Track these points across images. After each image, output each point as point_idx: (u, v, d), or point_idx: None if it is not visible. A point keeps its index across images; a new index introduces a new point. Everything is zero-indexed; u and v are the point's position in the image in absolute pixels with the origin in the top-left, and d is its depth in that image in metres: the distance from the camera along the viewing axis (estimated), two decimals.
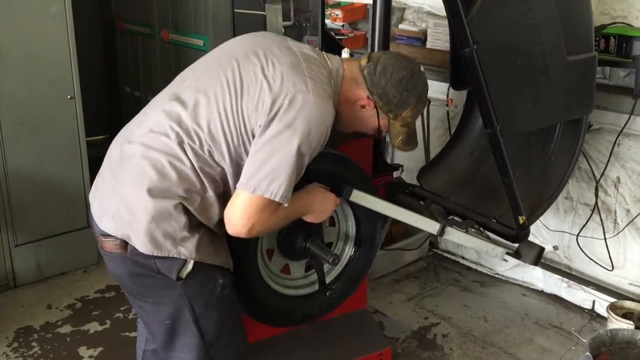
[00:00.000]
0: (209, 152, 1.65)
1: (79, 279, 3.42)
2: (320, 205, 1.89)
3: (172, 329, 1.74)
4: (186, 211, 1.65)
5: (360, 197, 2.03)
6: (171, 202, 1.62)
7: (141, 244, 1.62)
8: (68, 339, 2.92)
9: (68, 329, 2.99)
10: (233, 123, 1.64)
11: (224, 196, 1.70)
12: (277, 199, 1.61)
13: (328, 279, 2.16)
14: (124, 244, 1.65)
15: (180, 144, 1.63)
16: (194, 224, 1.67)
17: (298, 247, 2.02)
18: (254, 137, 1.64)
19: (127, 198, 1.64)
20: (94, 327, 3.01)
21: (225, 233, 1.71)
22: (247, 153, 1.65)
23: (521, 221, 2.21)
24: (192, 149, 1.63)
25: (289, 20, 2.95)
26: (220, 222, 1.70)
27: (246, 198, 1.61)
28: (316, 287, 2.14)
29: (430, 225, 2.15)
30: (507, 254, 2.33)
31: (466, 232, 2.21)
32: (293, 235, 2.02)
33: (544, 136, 2.48)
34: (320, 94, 1.65)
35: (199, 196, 1.66)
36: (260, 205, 1.61)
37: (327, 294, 2.15)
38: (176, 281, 1.66)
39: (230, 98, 1.64)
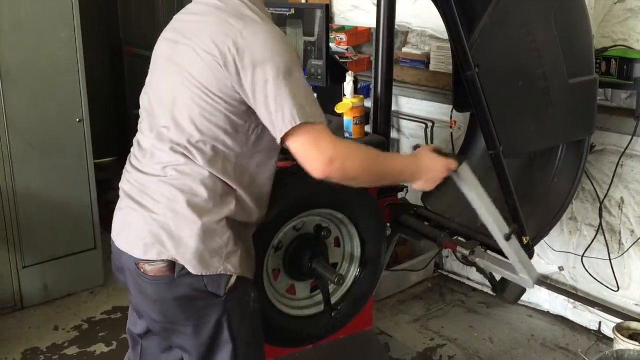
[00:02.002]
0: (212, 147, 1.61)
1: (85, 301, 3.43)
2: (433, 172, 1.78)
3: (210, 349, 1.71)
4: (230, 225, 1.63)
5: (465, 176, 1.93)
6: (212, 218, 1.61)
7: (190, 265, 1.59)
8: None
9: (74, 351, 2.99)
10: (209, 108, 1.60)
11: (252, 186, 1.68)
12: (318, 120, 1.56)
13: (333, 300, 2.17)
14: (172, 265, 1.61)
15: (188, 159, 1.61)
16: (236, 237, 1.65)
17: (303, 267, 2.04)
18: (237, 102, 1.59)
19: (165, 221, 1.61)
20: (100, 348, 3.02)
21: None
22: (240, 118, 1.61)
23: (525, 242, 2.22)
24: (201, 156, 1.61)
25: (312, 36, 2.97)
26: (260, 216, 1.71)
27: (297, 141, 1.55)
28: (322, 307, 2.15)
29: (502, 225, 2.11)
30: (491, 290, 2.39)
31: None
32: (299, 255, 2.03)
33: (546, 157, 2.50)
34: (250, 23, 1.58)
35: (233, 198, 1.64)
36: (310, 134, 1.55)
37: (333, 314, 2.15)
38: (220, 297, 1.64)
39: (191, 92, 1.61)
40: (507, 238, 2.11)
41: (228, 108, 1.59)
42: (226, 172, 1.62)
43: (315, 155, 1.55)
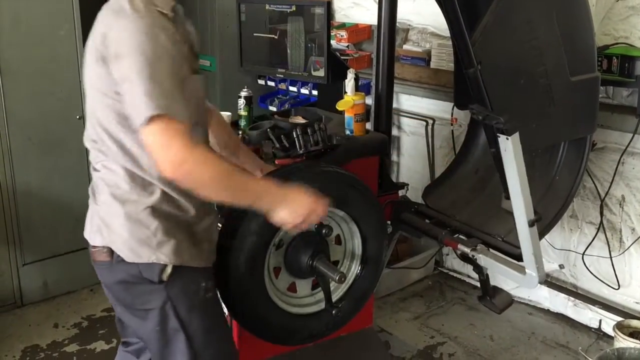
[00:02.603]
0: (117, 143, 1.64)
1: (85, 298, 3.43)
2: (300, 206, 1.68)
3: (162, 337, 1.75)
4: (157, 215, 1.66)
5: (514, 146, 1.91)
6: (135, 207, 1.65)
7: (122, 253, 1.67)
8: (74, 358, 2.92)
9: (74, 348, 2.99)
10: (102, 105, 1.63)
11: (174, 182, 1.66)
12: (177, 117, 1.52)
13: (334, 297, 2.16)
14: (111, 252, 1.69)
15: (106, 155, 1.68)
16: (168, 227, 1.67)
17: (305, 265, 2.03)
18: (119, 95, 1.59)
19: (102, 212, 1.71)
20: (100, 346, 3.02)
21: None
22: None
23: None
24: (111, 152, 1.66)
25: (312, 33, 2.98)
26: (203, 211, 1.72)
27: (151, 137, 1.52)
28: (322, 305, 2.14)
29: (530, 210, 2.07)
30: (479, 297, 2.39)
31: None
32: (300, 253, 2.03)
33: (547, 155, 2.50)
34: (122, 17, 1.56)
35: (157, 189, 1.66)
36: (165, 133, 1.51)
37: (334, 312, 2.15)
38: (159, 284, 1.68)
39: (90, 91, 1.68)
40: (531, 224, 2.09)
41: (115, 104, 1.60)
42: (139, 166, 1.64)
43: (164, 155, 1.51)
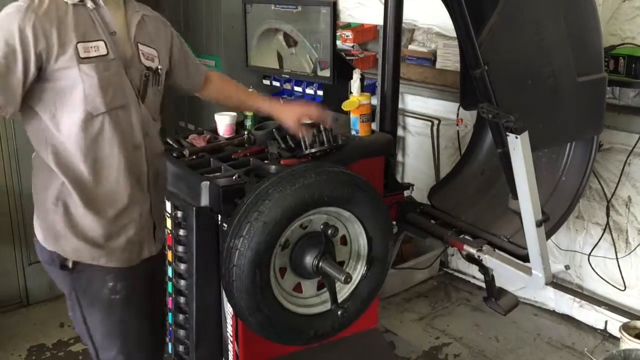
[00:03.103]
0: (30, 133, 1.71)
1: None
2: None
3: (75, 323, 1.81)
4: (59, 209, 1.68)
5: (523, 145, 1.93)
6: (42, 196, 1.71)
7: (38, 235, 1.75)
8: (80, 357, 2.93)
9: (80, 347, 3.00)
10: None
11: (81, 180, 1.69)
12: None
13: (340, 298, 2.16)
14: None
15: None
16: (67, 223, 1.69)
17: (310, 266, 2.03)
18: None
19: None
20: None
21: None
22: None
23: None
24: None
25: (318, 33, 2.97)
26: (114, 213, 1.72)
27: None
28: (328, 305, 2.14)
29: (537, 210, 2.08)
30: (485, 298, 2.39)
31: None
32: (305, 254, 2.03)
33: (554, 155, 2.49)
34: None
35: (59, 183, 1.68)
36: None
37: (339, 312, 2.15)
38: (66, 270, 1.72)
39: None
40: (539, 224, 2.08)
41: None
42: (48, 158, 1.68)
43: None
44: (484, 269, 2.32)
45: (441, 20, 3.52)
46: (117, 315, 1.78)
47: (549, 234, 2.47)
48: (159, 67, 1.83)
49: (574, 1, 2.16)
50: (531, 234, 2.09)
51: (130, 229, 1.76)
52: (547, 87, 2.13)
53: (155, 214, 1.86)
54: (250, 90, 2.34)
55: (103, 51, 1.66)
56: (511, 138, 1.94)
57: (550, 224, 2.39)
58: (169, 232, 2.28)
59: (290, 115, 2.18)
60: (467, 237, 2.42)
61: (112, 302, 1.76)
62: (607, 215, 2.98)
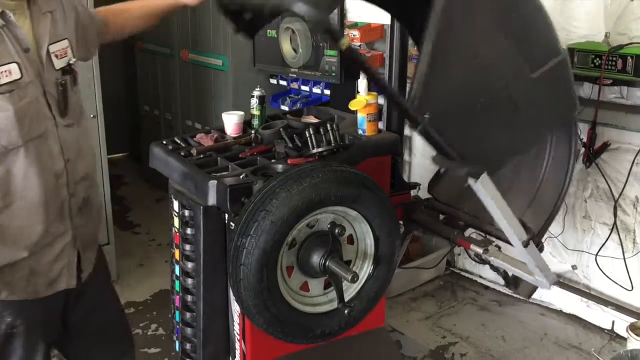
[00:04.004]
0: None
1: None
2: None
3: None
4: None
5: (484, 186, 1.87)
6: None
7: None
8: None
9: None
10: None
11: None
12: None
13: (346, 297, 2.17)
14: None
15: None
16: None
17: (317, 265, 2.04)
18: None
19: None
20: None
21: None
22: None
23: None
24: None
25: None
26: (15, 244, 1.59)
27: None
28: (335, 304, 2.15)
29: (520, 233, 2.06)
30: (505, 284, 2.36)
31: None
32: (312, 252, 2.03)
33: (535, 152, 2.40)
34: None
35: None
36: None
37: (346, 311, 2.15)
38: None
39: None
40: (525, 245, 2.09)
41: None
42: None
43: None
44: (493, 266, 2.32)
45: None
46: (16, 353, 1.67)
47: (540, 234, 2.40)
48: (71, 61, 1.67)
49: (509, 11, 1.97)
50: (522, 253, 2.09)
51: (40, 260, 1.63)
52: (502, 101, 1.96)
53: (81, 243, 1.74)
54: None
55: (16, 75, 1.49)
56: (472, 182, 1.85)
57: (542, 218, 2.33)
58: (176, 230, 2.29)
59: None
60: (473, 236, 2.41)
61: (10, 337, 1.64)
62: (615, 215, 2.97)
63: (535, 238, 2.13)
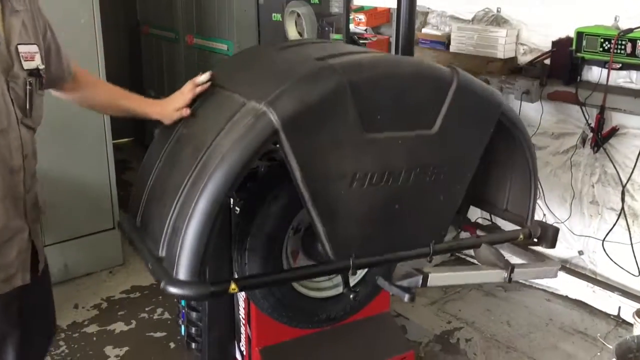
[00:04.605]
0: None
1: (104, 280, 3.47)
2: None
3: None
4: None
5: (440, 279, 2.11)
6: None
7: None
8: (94, 339, 2.96)
9: (94, 329, 3.03)
10: None
11: None
12: None
13: (352, 282, 2.17)
14: None
15: None
16: None
17: (322, 250, 2.03)
18: None
19: None
20: (119, 327, 3.06)
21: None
22: None
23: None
24: None
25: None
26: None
27: None
28: (340, 289, 2.15)
29: (497, 277, 2.12)
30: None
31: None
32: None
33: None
34: None
35: None
36: None
37: (352, 296, 2.15)
38: None
39: None
40: (509, 280, 2.11)
41: None
42: None
43: None
44: None
45: (455, 3, 3.48)
46: None
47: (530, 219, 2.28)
48: (40, 67, 1.64)
49: None
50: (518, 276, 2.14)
51: (1, 257, 1.60)
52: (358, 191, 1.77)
53: (36, 238, 1.72)
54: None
55: None
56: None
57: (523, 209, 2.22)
58: None
59: (164, 106, 2.07)
60: (479, 221, 2.40)
61: None
62: (622, 200, 2.95)
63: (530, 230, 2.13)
